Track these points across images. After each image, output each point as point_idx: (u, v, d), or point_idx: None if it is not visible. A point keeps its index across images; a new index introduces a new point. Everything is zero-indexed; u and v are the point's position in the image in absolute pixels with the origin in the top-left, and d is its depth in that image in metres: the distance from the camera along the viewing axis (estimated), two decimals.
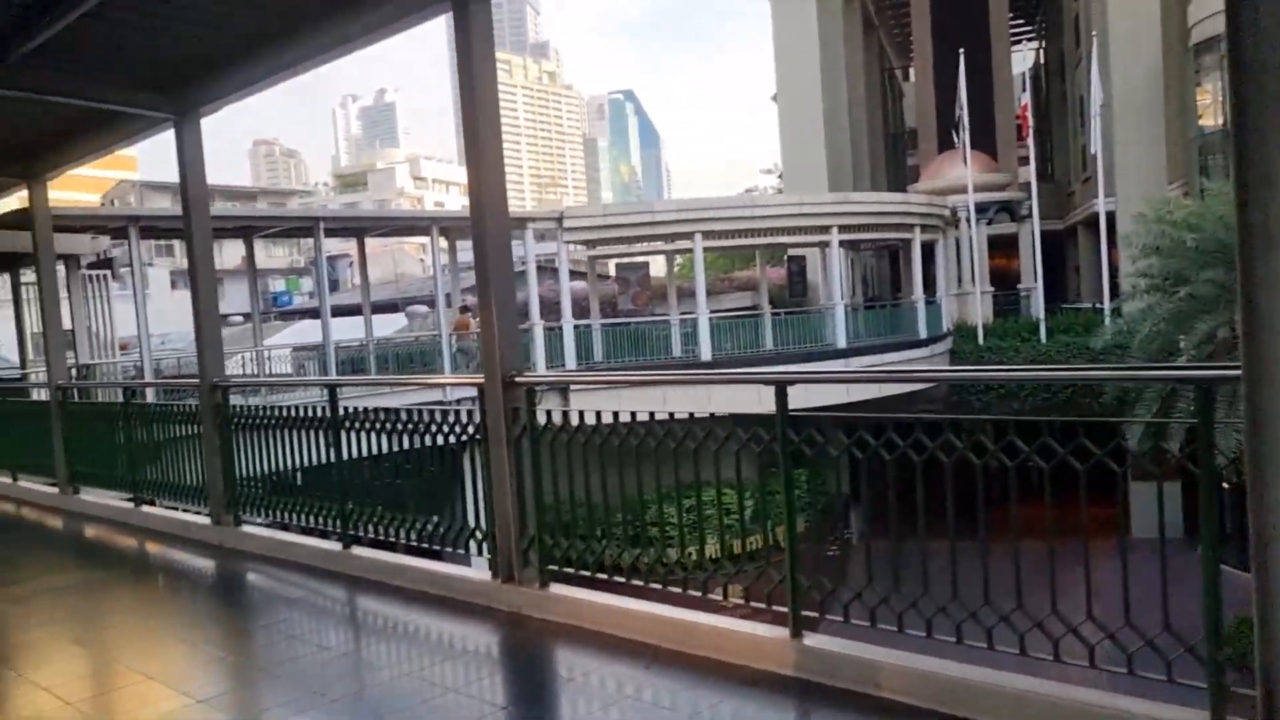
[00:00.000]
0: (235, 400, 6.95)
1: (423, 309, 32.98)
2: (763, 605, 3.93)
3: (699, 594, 4.18)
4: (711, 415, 4.22)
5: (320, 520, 6.09)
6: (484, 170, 4.72)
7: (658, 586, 4.34)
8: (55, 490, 8.91)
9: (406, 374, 22.09)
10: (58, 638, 5.01)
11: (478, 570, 5.10)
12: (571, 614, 4.47)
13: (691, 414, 4.37)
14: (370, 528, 5.71)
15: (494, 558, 4.86)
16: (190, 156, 6.62)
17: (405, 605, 5.12)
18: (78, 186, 64.94)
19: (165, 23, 5.77)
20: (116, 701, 4.06)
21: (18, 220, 13.78)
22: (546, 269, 27.87)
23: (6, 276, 19.34)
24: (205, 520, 6.96)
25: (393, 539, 5.59)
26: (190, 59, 6.18)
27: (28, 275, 18.80)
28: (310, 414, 6.03)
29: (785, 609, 3.78)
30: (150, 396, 10.21)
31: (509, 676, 4.25)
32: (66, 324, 20.53)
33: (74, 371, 18.12)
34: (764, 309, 28.27)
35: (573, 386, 17.93)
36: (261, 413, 6.50)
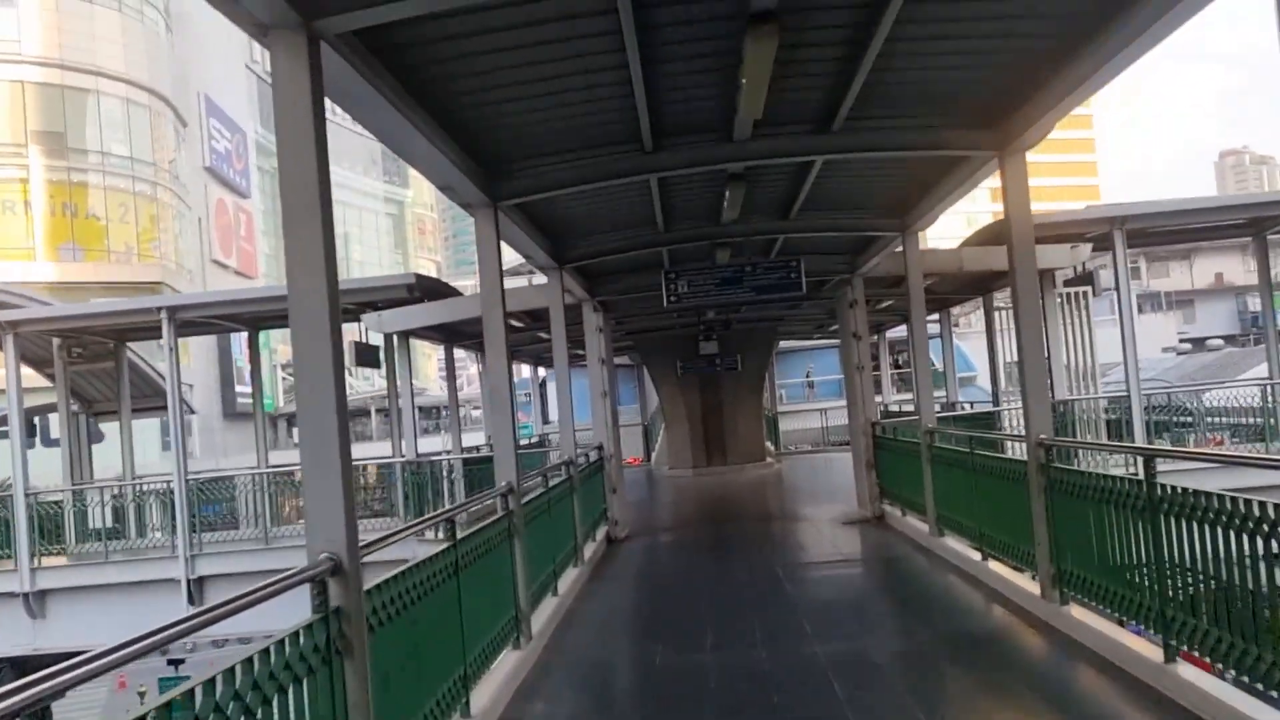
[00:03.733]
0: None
1: None
2: None
3: None
4: None
5: (1145, 618, 4.93)
6: None
7: None
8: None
9: None
10: None
11: None
12: None
13: None
14: (1200, 644, 4.38)
15: None
16: (1014, 193, 6.15)
17: None
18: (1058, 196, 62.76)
19: (972, 57, 5.47)
20: None
21: (993, 235, 13.49)
22: None
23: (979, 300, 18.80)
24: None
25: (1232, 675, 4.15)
26: (1001, 91, 5.75)
27: (999, 299, 17.75)
28: (1124, 488, 4.95)
29: None
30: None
31: None
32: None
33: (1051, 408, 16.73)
34: None
35: None
36: (1082, 482, 5.60)
